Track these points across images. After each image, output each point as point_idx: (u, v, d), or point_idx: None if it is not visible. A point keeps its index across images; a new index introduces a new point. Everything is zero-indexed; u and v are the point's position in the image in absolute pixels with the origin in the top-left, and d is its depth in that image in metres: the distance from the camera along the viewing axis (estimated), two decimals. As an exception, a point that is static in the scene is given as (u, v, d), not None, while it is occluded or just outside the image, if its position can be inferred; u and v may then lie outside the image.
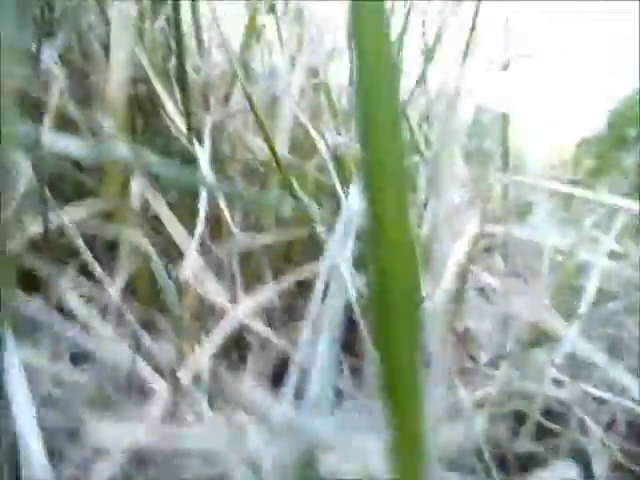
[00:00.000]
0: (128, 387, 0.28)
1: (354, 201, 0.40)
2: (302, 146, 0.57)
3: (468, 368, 0.53)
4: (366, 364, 0.53)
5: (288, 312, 0.57)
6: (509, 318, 0.71)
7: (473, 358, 0.56)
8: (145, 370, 0.28)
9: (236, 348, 0.47)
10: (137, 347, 0.29)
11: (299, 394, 0.29)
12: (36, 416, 0.26)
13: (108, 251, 0.47)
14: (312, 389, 0.26)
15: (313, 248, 0.61)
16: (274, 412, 0.25)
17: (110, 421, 0.27)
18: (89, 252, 0.33)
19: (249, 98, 0.38)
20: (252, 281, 0.55)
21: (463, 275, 0.47)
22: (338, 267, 0.34)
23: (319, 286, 0.33)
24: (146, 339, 0.30)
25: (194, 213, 0.47)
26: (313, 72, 0.57)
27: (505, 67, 0.62)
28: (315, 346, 0.28)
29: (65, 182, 0.45)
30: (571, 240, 0.88)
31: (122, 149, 0.35)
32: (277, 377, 0.50)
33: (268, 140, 0.39)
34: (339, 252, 0.36)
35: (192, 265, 0.34)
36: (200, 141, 0.43)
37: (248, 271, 0.54)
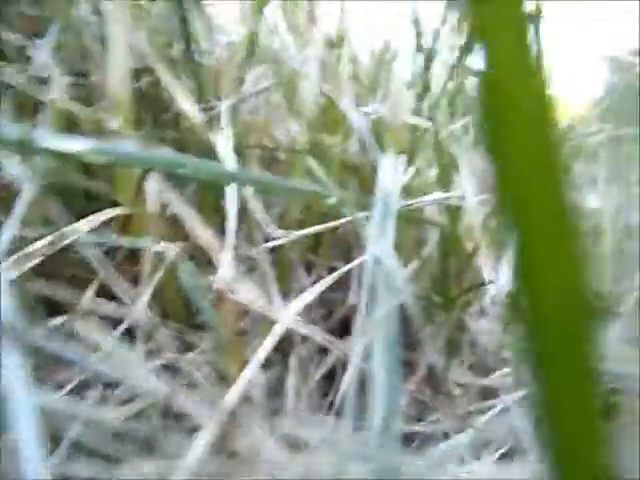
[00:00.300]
0: (167, 421, 0.24)
1: (388, 177, 0.35)
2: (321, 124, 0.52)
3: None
4: (421, 356, 0.49)
5: (323, 306, 0.53)
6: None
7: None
8: (185, 399, 0.24)
9: (276, 352, 0.43)
10: (174, 372, 0.25)
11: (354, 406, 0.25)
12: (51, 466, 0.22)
13: (129, 262, 0.43)
14: (375, 404, 0.22)
15: (342, 236, 0.57)
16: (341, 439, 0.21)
17: (150, 463, 0.23)
18: (109, 268, 0.29)
19: (278, 74, 0.34)
20: (284, 276, 0.51)
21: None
22: (380, 260, 0.30)
23: (365, 285, 0.29)
24: (184, 361, 0.26)
25: (216, 207, 0.43)
26: (329, 46, 0.52)
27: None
28: (371, 354, 0.24)
29: (73, 190, 0.41)
30: (616, 201, 0.83)
31: (134, 147, 0.31)
32: (326, 380, 0.46)
33: (303, 119, 0.35)
34: (380, 240, 0.31)
35: (228, 274, 0.29)
36: (216, 130, 0.38)
37: (279, 266, 0.50)
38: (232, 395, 0.25)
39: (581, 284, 0.11)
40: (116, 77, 0.41)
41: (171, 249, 0.29)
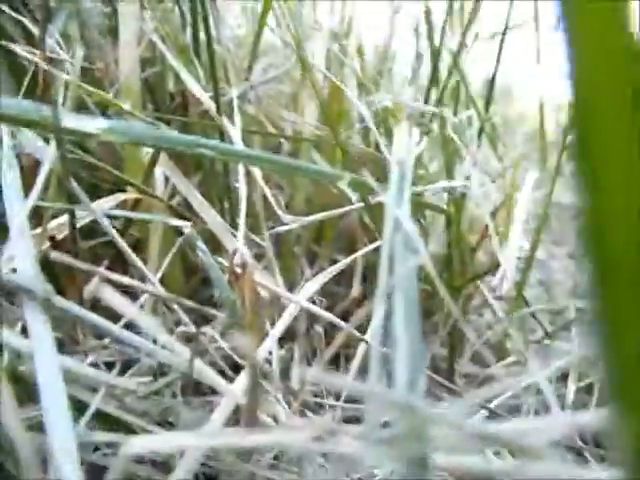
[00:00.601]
0: (187, 393, 0.24)
1: (402, 145, 0.35)
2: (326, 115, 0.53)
3: (536, 340, 0.49)
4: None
5: (324, 298, 0.53)
6: (556, 285, 0.67)
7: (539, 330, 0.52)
8: (206, 369, 0.24)
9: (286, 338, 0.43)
10: (195, 345, 0.25)
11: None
12: (75, 431, 0.21)
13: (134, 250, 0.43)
14: (398, 369, 0.22)
15: (345, 230, 0.57)
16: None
17: (171, 430, 0.23)
18: (123, 243, 0.29)
19: (303, 61, 0.34)
20: (287, 267, 0.51)
21: (532, 246, 0.43)
22: (401, 224, 0.29)
23: (385, 249, 0.29)
24: (203, 334, 0.26)
25: (221, 196, 0.43)
26: (334, 39, 0.53)
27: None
28: (391, 322, 0.24)
29: (84, 178, 0.41)
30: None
31: (148, 128, 0.31)
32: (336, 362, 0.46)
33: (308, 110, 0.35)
34: (398, 208, 0.31)
35: (242, 253, 0.30)
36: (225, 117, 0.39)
37: (282, 257, 0.50)
38: (251, 368, 0.25)
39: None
40: (126, 65, 0.41)
41: (186, 226, 0.29)
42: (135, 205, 0.39)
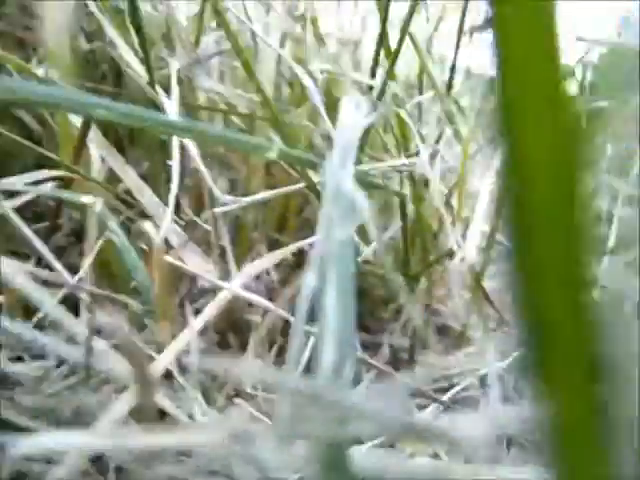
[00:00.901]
0: (85, 382, 0.22)
1: (350, 115, 0.32)
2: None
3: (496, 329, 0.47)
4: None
5: (286, 287, 0.51)
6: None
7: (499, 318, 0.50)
8: (110, 362, 0.21)
9: (232, 332, 0.41)
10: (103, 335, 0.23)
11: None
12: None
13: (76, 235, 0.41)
14: (326, 356, 0.20)
15: (309, 219, 0.55)
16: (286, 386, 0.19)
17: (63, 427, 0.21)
18: (29, 229, 0.26)
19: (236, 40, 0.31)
20: (245, 257, 0.48)
21: (491, 232, 0.41)
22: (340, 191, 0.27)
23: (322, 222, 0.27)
24: (109, 324, 0.23)
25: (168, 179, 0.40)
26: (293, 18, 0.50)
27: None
28: (323, 298, 0.22)
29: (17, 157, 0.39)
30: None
31: (70, 91, 0.28)
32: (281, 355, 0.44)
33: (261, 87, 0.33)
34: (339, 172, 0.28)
35: (166, 233, 0.27)
36: (166, 91, 0.36)
37: (239, 246, 0.47)
38: (161, 359, 0.22)
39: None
40: (52, 30, 0.38)
41: (97, 203, 0.27)
42: (68, 183, 0.36)
